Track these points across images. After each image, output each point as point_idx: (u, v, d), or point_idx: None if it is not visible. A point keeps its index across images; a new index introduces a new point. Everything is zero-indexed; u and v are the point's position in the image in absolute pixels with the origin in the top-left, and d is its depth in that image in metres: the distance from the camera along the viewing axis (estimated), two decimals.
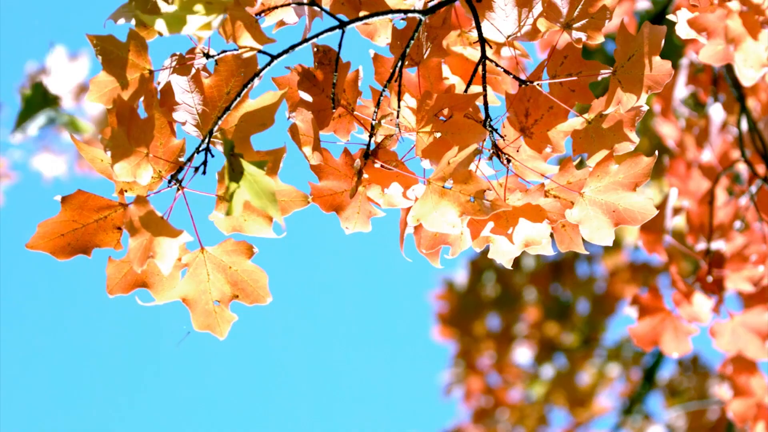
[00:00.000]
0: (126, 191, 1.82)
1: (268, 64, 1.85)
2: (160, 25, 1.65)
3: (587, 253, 1.99)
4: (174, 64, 1.86)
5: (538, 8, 1.93)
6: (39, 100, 1.39)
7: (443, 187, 1.81)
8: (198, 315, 1.85)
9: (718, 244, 2.98)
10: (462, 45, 2.09)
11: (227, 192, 1.66)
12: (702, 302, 2.84)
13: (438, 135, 1.87)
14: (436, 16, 1.99)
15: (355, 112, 1.96)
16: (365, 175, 1.91)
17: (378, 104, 1.92)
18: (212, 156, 1.83)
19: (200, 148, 1.83)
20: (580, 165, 1.92)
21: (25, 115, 1.38)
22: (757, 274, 2.90)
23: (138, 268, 1.74)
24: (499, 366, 6.58)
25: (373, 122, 1.92)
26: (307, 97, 1.95)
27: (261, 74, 1.84)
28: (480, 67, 1.94)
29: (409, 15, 1.91)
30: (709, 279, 2.92)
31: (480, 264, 6.56)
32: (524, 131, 1.94)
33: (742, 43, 2.33)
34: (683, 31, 2.24)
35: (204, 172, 1.83)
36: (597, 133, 1.91)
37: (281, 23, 2.02)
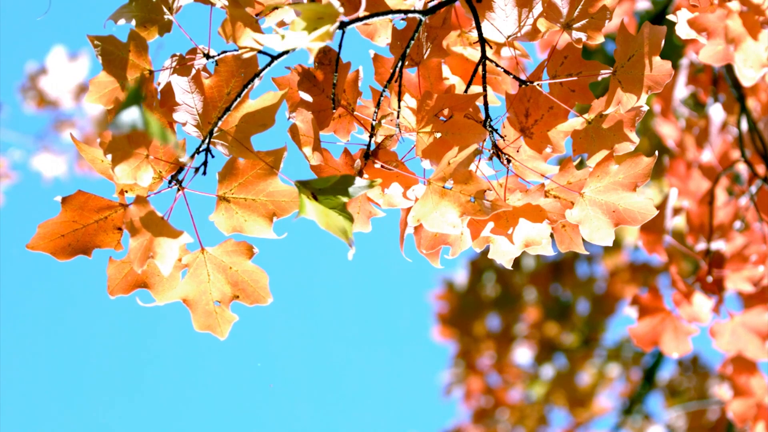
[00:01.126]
0: (126, 192, 1.82)
1: (269, 64, 1.85)
2: (276, 42, 1.63)
3: (587, 253, 1.99)
4: (174, 64, 1.86)
5: (538, 8, 1.93)
6: (137, 96, 1.38)
7: (443, 187, 1.81)
8: (198, 315, 1.85)
9: (718, 244, 2.98)
10: (462, 45, 2.09)
11: (342, 234, 1.66)
12: (702, 302, 2.84)
13: (438, 135, 1.87)
14: (436, 17, 1.99)
15: (355, 113, 1.96)
16: (365, 176, 1.91)
17: (378, 104, 1.92)
18: (212, 156, 1.83)
19: (200, 149, 1.83)
20: (580, 165, 1.92)
21: (123, 108, 1.38)
22: (757, 274, 2.90)
23: (138, 268, 1.74)
24: (499, 366, 6.58)
25: (374, 122, 1.92)
26: (308, 98, 1.95)
27: (261, 75, 1.84)
28: (480, 68, 1.94)
29: (410, 15, 1.91)
30: (709, 279, 2.92)
31: (480, 264, 6.56)
32: (524, 131, 1.94)
33: (742, 43, 2.33)
34: (683, 31, 2.24)
35: (204, 173, 1.83)
36: (597, 134, 1.91)
37: (282, 24, 2.02)
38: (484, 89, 1.92)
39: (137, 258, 1.73)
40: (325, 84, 1.95)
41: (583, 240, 1.93)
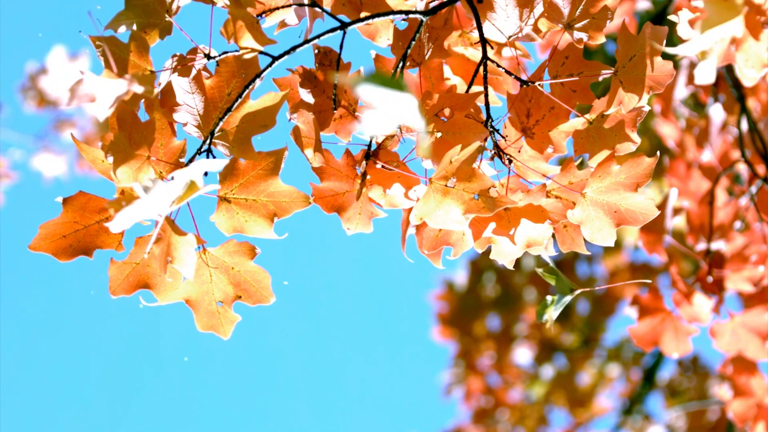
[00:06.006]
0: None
1: (270, 65, 1.85)
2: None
3: (588, 253, 1.99)
4: (175, 64, 1.86)
5: (539, 9, 1.93)
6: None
7: (446, 185, 1.81)
8: (201, 316, 1.85)
9: (718, 245, 2.98)
10: (463, 45, 2.09)
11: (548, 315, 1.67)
12: (702, 302, 2.85)
13: (439, 135, 1.87)
14: (438, 17, 1.99)
15: (356, 113, 1.96)
16: (368, 176, 1.91)
17: None
18: (213, 157, 1.83)
19: (201, 149, 1.83)
20: (582, 165, 1.92)
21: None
22: (757, 274, 2.90)
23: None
24: (499, 366, 6.58)
25: None
26: (309, 98, 1.95)
27: (262, 75, 1.84)
28: (481, 68, 1.94)
29: (411, 16, 1.91)
30: (709, 279, 2.92)
31: (480, 264, 6.56)
32: (525, 131, 1.94)
33: (743, 43, 2.33)
34: (684, 31, 2.24)
35: (205, 173, 1.82)
36: (598, 134, 1.91)
37: (283, 24, 2.02)
38: (486, 89, 1.92)
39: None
40: (326, 85, 1.95)
41: (584, 240, 1.93)
